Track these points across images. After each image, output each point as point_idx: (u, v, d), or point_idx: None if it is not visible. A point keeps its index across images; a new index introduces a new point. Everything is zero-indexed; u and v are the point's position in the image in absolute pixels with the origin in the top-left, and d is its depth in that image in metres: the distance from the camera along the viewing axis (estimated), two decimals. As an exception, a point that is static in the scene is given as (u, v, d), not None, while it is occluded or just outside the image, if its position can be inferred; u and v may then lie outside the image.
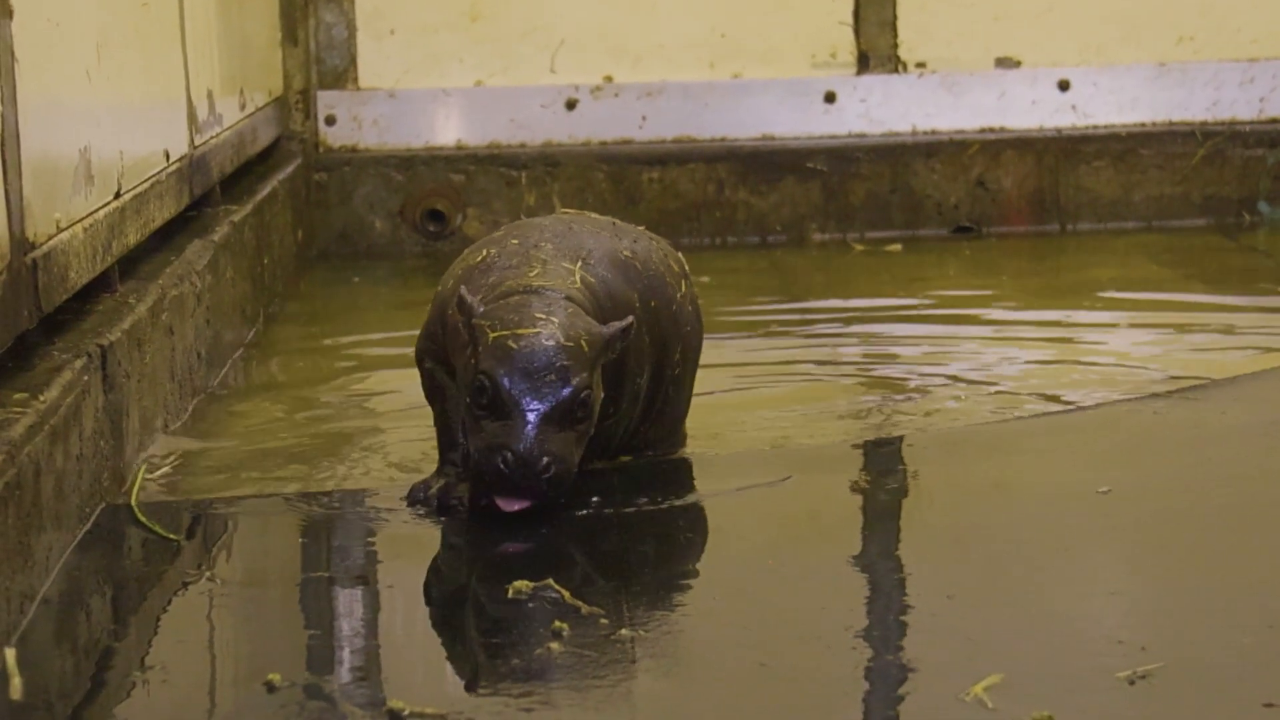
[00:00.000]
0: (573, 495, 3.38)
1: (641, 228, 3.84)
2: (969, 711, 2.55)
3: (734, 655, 2.80)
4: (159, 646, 2.90)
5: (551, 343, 3.33)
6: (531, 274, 3.49)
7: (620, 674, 2.73)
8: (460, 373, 3.45)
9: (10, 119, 3.27)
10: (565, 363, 3.31)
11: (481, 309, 3.40)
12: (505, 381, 3.30)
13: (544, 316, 3.37)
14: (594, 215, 3.86)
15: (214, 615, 3.05)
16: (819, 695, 2.66)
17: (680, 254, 3.89)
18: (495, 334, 3.35)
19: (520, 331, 3.34)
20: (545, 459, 3.27)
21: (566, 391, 3.31)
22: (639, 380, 3.63)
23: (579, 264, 3.57)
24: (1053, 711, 2.51)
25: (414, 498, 3.52)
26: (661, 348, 3.69)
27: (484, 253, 3.63)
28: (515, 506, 3.32)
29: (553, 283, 3.46)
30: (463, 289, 3.44)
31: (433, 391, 3.66)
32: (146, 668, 2.81)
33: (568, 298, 3.44)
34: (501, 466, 3.27)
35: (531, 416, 3.28)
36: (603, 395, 3.43)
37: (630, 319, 3.46)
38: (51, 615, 2.99)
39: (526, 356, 3.31)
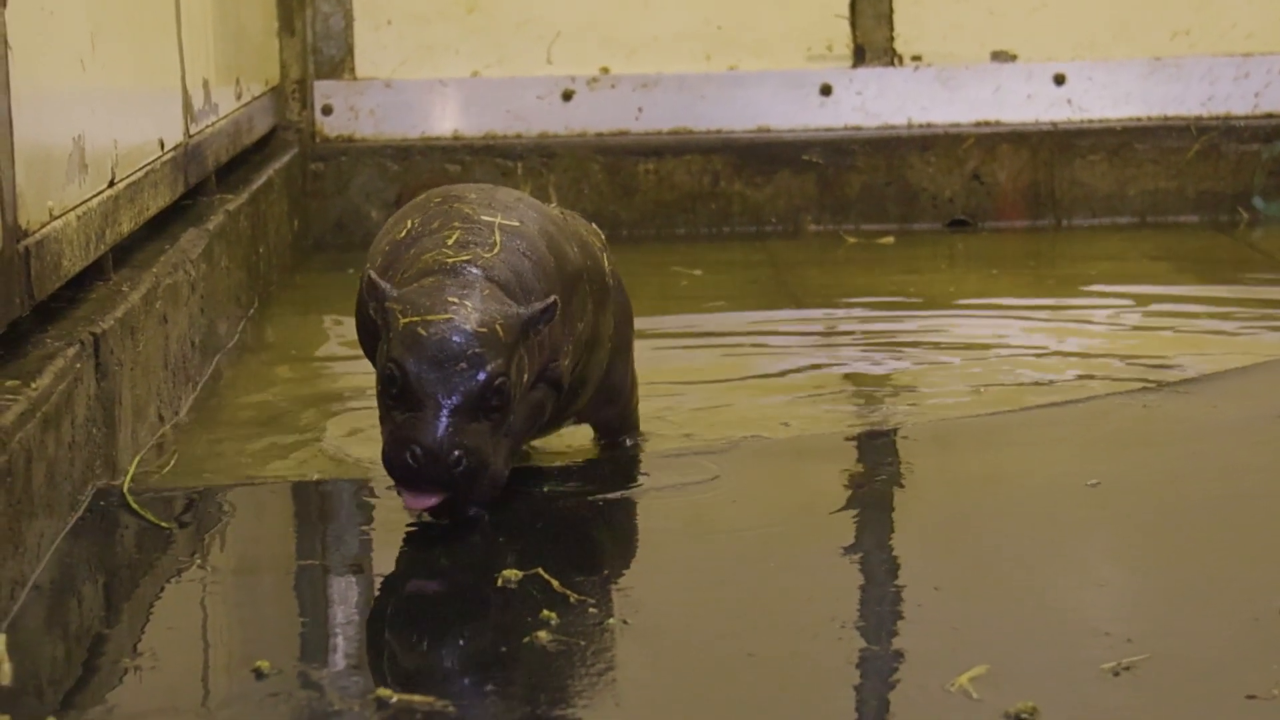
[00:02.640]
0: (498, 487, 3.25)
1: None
2: (954, 701, 2.56)
3: (722, 645, 2.81)
4: (150, 633, 2.91)
5: (464, 329, 3.17)
6: (451, 240, 3.34)
7: (608, 663, 2.74)
8: (378, 358, 3.29)
9: (3, 106, 3.27)
10: (477, 351, 3.16)
11: (395, 292, 3.25)
12: (414, 371, 3.15)
13: (457, 301, 3.20)
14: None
15: (205, 602, 3.05)
16: (806, 685, 2.67)
17: (598, 229, 3.77)
18: (405, 320, 3.20)
19: (430, 318, 3.18)
20: (456, 453, 3.13)
21: (478, 382, 3.15)
22: (579, 326, 3.48)
23: (500, 213, 3.41)
24: (1037, 702, 2.52)
25: (403, 486, 3.51)
26: (598, 305, 3.55)
27: (408, 223, 3.46)
28: (424, 503, 3.19)
29: (471, 254, 3.30)
30: (371, 273, 3.30)
31: None
32: (137, 654, 2.82)
33: (487, 276, 3.28)
34: (410, 461, 3.15)
35: (441, 408, 3.14)
36: (528, 375, 3.27)
37: (553, 298, 3.28)
38: (42, 602, 3.00)
39: (436, 345, 3.15)
